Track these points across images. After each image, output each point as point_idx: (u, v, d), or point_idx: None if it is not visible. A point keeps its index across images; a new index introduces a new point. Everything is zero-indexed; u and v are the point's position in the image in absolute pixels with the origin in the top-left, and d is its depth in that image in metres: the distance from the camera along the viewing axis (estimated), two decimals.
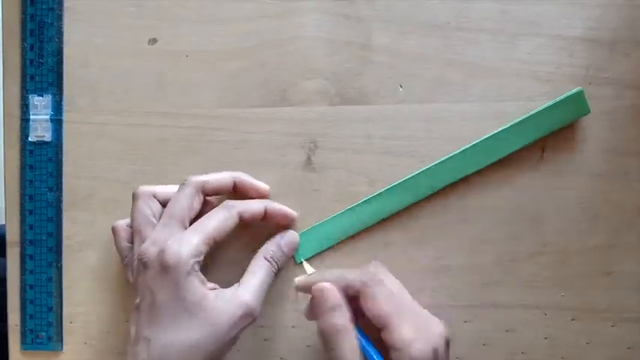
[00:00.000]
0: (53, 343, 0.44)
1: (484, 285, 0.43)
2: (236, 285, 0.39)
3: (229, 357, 0.43)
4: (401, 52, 0.44)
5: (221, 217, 0.39)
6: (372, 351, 0.37)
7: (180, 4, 0.44)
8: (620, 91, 0.43)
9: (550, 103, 0.42)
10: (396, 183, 0.43)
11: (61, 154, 0.44)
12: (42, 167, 0.44)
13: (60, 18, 0.44)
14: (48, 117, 0.44)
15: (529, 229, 0.43)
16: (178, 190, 0.40)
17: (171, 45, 0.44)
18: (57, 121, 0.44)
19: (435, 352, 0.35)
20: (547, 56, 0.43)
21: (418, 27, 0.44)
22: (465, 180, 0.43)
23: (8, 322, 0.44)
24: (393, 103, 0.44)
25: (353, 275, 0.38)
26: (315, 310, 0.38)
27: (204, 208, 0.41)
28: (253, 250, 0.42)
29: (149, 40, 0.44)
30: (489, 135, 0.43)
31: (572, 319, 0.43)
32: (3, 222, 0.45)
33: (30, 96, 0.44)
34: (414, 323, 0.36)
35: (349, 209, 0.43)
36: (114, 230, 0.42)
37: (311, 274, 0.41)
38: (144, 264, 0.38)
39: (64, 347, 0.44)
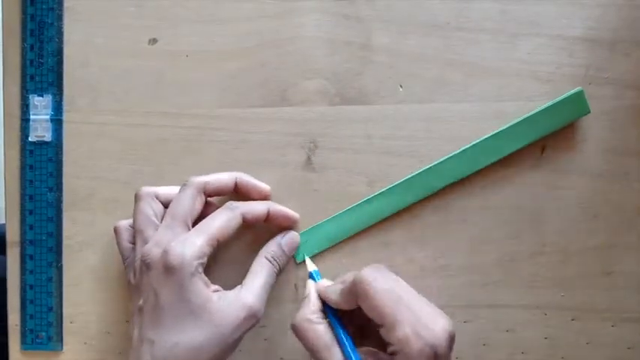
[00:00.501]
0: (53, 343, 0.44)
1: (484, 285, 0.43)
2: (239, 287, 0.39)
3: (229, 356, 0.43)
4: (401, 52, 0.44)
5: (224, 218, 0.39)
6: (344, 339, 0.37)
7: (180, 4, 0.44)
8: (620, 91, 0.43)
9: (550, 103, 0.42)
10: (396, 183, 0.43)
11: (61, 154, 0.44)
12: (42, 167, 0.44)
13: (60, 18, 0.44)
14: (48, 117, 0.44)
15: (529, 229, 0.43)
16: (180, 191, 0.40)
17: (171, 45, 0.44)
18: (57, 121, 0.44)
19: (434, 349, 0.34)
20: (547, 56, 0.43)
21: (418, 27, 0.44)
22: (465, 180, 0.43)
23: (8, 322, 0.44)
24: (393, 103, 0.44)
25: (349, 276, 0.38)
26: None
27: (207, 209, 0.41)
28: (255, 251, 0.42)
29: (149, 40, 0.44)
30: (489, 135, 0.43)
31: (572, 319, 0.43)
32: (3, 222, 0.45)
33: (30, 96, 0.44)
34: (412, 320, 0.35)
35: (349, 209, 0.43)
36: (116, 230, 0.42)
37: (310, 271, 0.42)
38: (147, 265, 0.38)
39: (64, 347, 0.44)
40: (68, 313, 0.44)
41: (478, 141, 0.43)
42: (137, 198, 0.41)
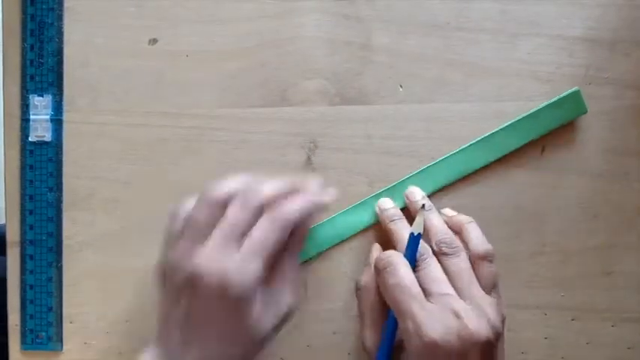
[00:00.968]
0: (53, 343, 0.44)
1: None
2: (277, 291, 0.38)
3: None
4: (401, 52, 0.44)
5: (278, 234, 0.37)
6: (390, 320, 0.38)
7: (180, 4, 0.44)
8: (620, 91, 0.43)
9: (547, 102, 0.42)
10: (396, 183, 0.43)
11: (61, 154, 0.44)
12: (42, 167, 0.44)
13: (60, 18, 0.44)
14: (48, 117, 0.44)
15: (529, 229, 0.43)
16: (235, 204, 0.37)
17: (171, 45, 0.44)
18: (57, 121, 0.44)
19: (434, 348, 0.35)
20: (547, 56, 0.43)
21: (418, 27, 0.44)
22: (465, 180, 0.43)
23: (8, 322, 0.44)
24: (393, 103, 0.44)
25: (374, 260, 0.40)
26: None
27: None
28: None
29: (149, 40, 0.44)
30: (486, 135, 0.43)
31: (572, 319, 0.43)
32: (3, 222, 0.45)
33: (30, 96, 0.44)
34: (416, 316, 0.36)
35: (349, 209, 0.43)
36: (172, 215, 0.39)
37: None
38: (194, 281, 0.35)
39: (64, 347, 0.44)
40: (68, 313, 0.44)
41: (475, 141, 0.43)
42: (211, 198, 0.37)
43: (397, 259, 0.38)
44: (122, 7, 0.44)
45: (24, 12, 0.44)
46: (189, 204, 0.38)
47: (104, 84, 0.44)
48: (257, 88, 0.44)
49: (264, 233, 0.36)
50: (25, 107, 0.44)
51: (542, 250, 0.43)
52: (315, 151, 0.44)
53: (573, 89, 0.42)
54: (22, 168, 0.44)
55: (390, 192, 0.43)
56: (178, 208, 0.38)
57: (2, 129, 0.45)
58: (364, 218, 0.43)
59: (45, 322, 0.44)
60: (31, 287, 0.44)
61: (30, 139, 0.44)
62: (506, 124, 0.43)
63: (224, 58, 0.44)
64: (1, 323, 0.45)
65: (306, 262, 0.43)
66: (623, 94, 0.43)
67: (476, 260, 0.38)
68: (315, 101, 0.44)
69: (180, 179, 0.42)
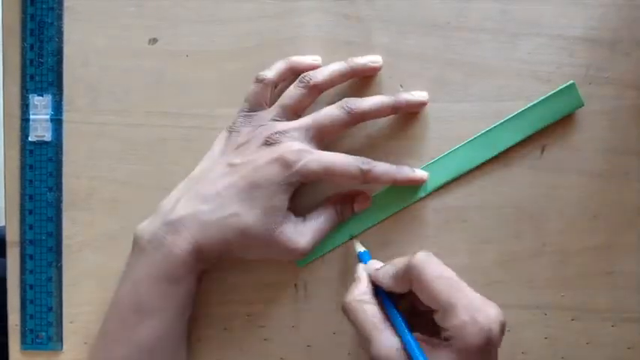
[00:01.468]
0: (53, 343, 0.44)
1: (484, 285, 0.43)
2: (302, 221, 0.42)
3: (230, 357, 0.43)
4: (401, 51, 0.44)
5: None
6: (399, 319, 0.37)
7: (181, 4, 0.44)
8: (620, 91, 0.43)
9: (543, 97, 0.43)
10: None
11: (61, 154, 0.44)
12: (42, 167, 0.44)
13: (60, 18, 0.44)
14: (48, 117, 0.44)
15: (529, 229, 0.43)
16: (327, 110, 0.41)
17: (171, 45, 0.44)
18: (57, 121, 0.44)
19: (489, 336, 0.34)
20: (547, 56, 0.43)
21: (418, 27, 0.44)
22: (465, 179, 0.43)
23: (8, 322, 0.44)
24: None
25: (400, 261, 0.38)
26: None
27: None
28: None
29: (149, 40, 0.44)
30: (484, 131, 0.43)
31: (572, 319, 0.43)
32: (3, 222, 0.45)
33: (30, 96, 0.44)
34: (468, 306, 0.35)
35: None
36: (264, 81, 0.42)
37: (360, 251, 0.42)
38: (275, 141, 0.40)
39: (64, 347, 0.44)
40: (68, 313, 0.44)
41: (472, 138, 0.43)
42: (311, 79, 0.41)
43: (426, 257, 0.37)
44: (122, 7, 0.44)
45: (24, 12, 0.44)
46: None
47: (104, 84, 0.44)
48: None
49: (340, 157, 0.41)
50: (24, 107, 0.44)
51: (542, 250, 0.43)
52: None
53: (568, 82, 0.42)
54: (22, 168, 0.44)
55: (389, 191, 0.43)
56: (268, 76, 0.43)
57: (2, 129, 0.45)
58: (365, 219, 0.43)
59: (45, 322, 0.44)
60: (31, 287, 0.44)
61: (30, 138, 0.44)
62: (503, 120, 0.43)
63: (224, 58, 0.44)
64: (1, 323, 0.45)
65: (307, 262, 0.43)
66: (623, 94, 0.43)
67: None
68: (315, 101, 0.43)
69: (180, 179, 0.42)
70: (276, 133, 0.40)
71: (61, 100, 0.44)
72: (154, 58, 0.44)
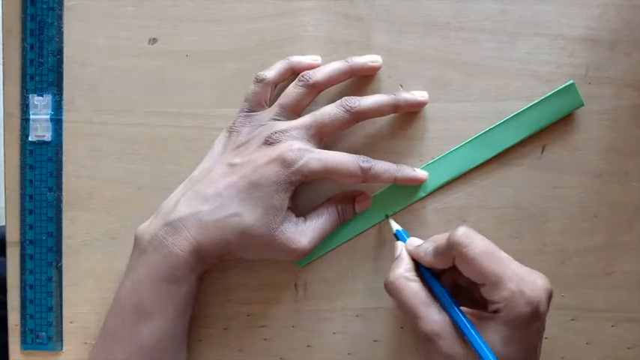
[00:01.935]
0: (53, 343, 0.44)
1: None
2: (302, 221, 0.41)
3: (230, 357, 0.43)
4: (401, 51, 0.44)
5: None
6: (446, 295, 0.37)
7: (180, 4, 0.44)
8: (620, 91, 0.43)
9: (543, 97, 0.43)
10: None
11: (61, 153, 0.44)
12: (42, 167, 0.44)
13: (60, 18, 0.44)
14: (48, 117, 0.44)
15: (529, 229, 0.43)
16: (328, 108, 0.41)
17: (171, 45, 0.44)
18: (57, 121, 0.44)
19: (537, 306, 0.35)
20: (547, 56, 0.43)
21: (418, 27, 0.44)
22: (466, 180, 0.43)
23: (8, 322, 0.44)
24: None
25: (442, 237, 0.38)
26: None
27: None
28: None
29: (149, 40, 0.44)
30: (484, 131, 0.43)
31: (572, 319, 0.43)
32: (3, 222, 0.45)
33: (30, 96, 0.44)
34: (515, 278, 0.35)
35: None
36: (264, 81, 0.42)
37: (397, 230, 0.42)
38: (272, 142, 0.40)
39: (64, 347, 0.44)
40: (68, 313, 0.44)
41: (472, 138, 0.43)
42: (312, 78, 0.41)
43: (468, 232, 0.36)
44: (122, 7, 0.44)
45: (24, 12, 0.44)
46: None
47: (104, 84, 0.44)
48: None
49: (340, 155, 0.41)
50: (25, 107, 0.44)
51: (542, 250, 0.43)
52: None
53: (568, 82, 0.42)
54: (22, 168, 0.44)
55: (389, 191, 0.43)
56: (269, 76, 0.43)
57: (2, 129, 0.45)
58: (366, 219, 0.43)
59: (45, 322, 0.44)
60: (31, 287, 0.44)
61: (30, 138, 0.44)
62: (503, 120, 0.43)
63: (224, 58, 0.44)
64: (2, 323, 0.45)
65: (307, 262, 0.43)
66: (623, 94, 0.43)
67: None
68: (315, 101, 0.43)
69: (180, 179, 0.42)
70: (276, 132, 0.40)
71: (61, 100, 0.44)
72: (154, 58, 0.44)
